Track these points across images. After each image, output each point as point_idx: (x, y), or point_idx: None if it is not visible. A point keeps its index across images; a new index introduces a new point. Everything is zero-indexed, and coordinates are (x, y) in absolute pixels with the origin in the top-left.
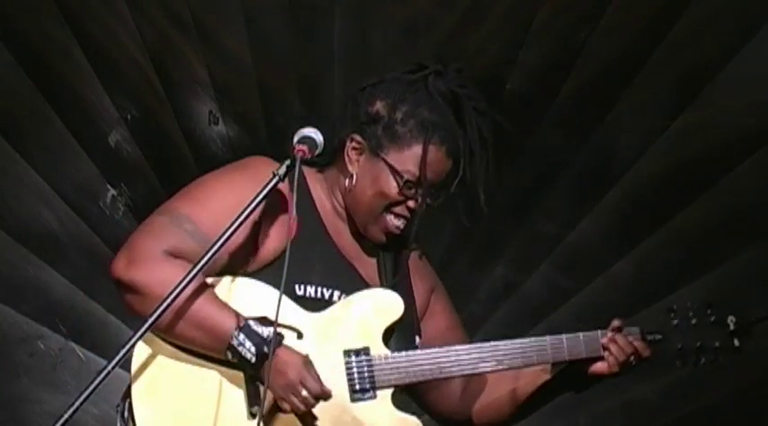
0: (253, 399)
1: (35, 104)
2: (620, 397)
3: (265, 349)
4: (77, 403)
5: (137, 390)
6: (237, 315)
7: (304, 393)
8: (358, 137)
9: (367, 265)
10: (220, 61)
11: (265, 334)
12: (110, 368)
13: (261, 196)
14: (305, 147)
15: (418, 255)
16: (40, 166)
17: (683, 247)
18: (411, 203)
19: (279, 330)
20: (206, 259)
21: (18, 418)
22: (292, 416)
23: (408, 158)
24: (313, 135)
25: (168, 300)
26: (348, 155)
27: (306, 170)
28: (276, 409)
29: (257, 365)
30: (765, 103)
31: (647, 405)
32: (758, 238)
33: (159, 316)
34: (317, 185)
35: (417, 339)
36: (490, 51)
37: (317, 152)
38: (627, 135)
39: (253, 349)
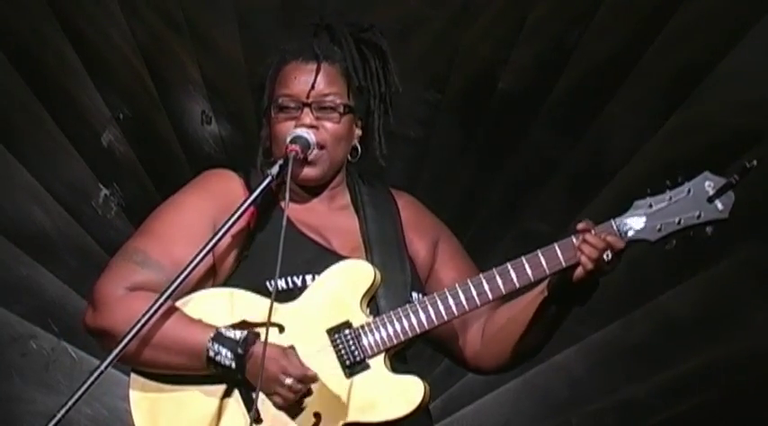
0: (249, 405)
1: (27, 104)
2: (611, 397)
3: (240, 350)
4: (70, 403)
5: (138, 420)
6: (208, 327)
7: (288, 381)
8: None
9: (343, 232)
10: (213, 61)
11: (238, 337)
12: (102, 367)
13: (251, 199)
14: (297, 147)
15: (411, 204)
16: (32, 166)
17: (676, 246)
18: (299, 121)
19: (259, 329)
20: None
21: (10, 418)
22: (299, 410)
23: (275, 90)
24: (305, 134)
25: (156, 305)
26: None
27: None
28: (279, 410)
29: (239, 368)
30: (756, 103)
31: (638, 405)
32: (751, 237)
33: (151, 316)
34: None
35: (415, 295)
36: (483, 51)
37: (309, 151)
38: (619, 134)
39: (229, 354)
